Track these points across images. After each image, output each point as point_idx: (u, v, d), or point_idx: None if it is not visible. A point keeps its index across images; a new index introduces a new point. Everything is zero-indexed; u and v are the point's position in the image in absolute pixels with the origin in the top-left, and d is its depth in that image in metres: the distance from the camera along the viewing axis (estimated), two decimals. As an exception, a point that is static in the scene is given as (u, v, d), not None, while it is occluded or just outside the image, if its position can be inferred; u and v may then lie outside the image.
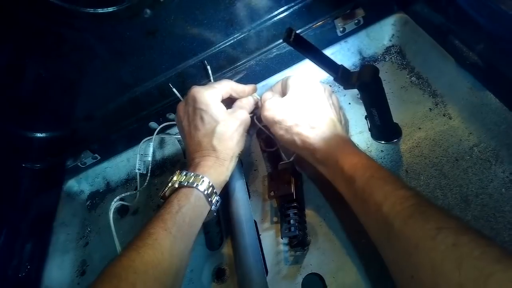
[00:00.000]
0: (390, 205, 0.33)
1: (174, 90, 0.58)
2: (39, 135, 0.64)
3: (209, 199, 0.45)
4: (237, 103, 0.54)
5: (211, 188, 0.45)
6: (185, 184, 0.44)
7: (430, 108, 0.50)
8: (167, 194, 0.45)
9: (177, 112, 0.53)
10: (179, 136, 0.65)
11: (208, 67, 0.58)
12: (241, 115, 0.50)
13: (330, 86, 0.53)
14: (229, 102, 0.54)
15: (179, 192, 0.44)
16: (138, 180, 0.62)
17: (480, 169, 0.43)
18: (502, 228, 0.38)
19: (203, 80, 0.60)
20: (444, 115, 0.48)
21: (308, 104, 0.47)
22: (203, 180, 0.44)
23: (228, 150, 0.48)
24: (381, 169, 0.38)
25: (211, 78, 0.59)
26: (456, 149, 0.45)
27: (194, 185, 0.44)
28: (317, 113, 0.46)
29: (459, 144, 0.45)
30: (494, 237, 0.38)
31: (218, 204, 0.47)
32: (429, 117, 0.49)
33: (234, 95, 0.54)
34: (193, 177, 0.45)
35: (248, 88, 0.55)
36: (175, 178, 0.46)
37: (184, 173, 0.45)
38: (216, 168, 0.47)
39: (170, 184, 0.45)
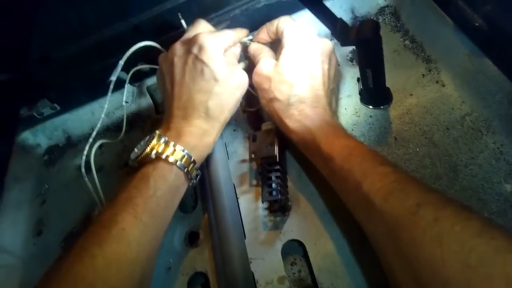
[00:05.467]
0: (370, 182, 0.32)
1: (183, 21, 0.50)
2: (-14, 77, 0.56)
3: (189, 176, 0.40)
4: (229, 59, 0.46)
5: (192, 164, 0.40)
6: (163, 157, 0.38)
7: (422, 74, 0.48)
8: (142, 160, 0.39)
9: (170, 52, 0.44)
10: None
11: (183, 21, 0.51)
12: (240, 76, 0.45)
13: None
14: None
15: (156, 167, 0.38)
16: (124, 118, 0.51)
17: (471, 139, 0.41)
18: (490, 199, 0.37)
19: (182, 28, 0.54)
20: (437, 82, 0.46)
21: (295, 74, 0.42)
22: (185, 155, 0.39)
23: (221, 115, 0.43)
24: (359, 146, 0.37)
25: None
26: (447, 117, 0.44)
27: (174, 160, 0.38)
28: (301, 89, 0.42)
29: (451, 112, 0.44)
30: (482, 208, 0.37)
31: (197, 178, 0.43)
32: (421, 83, 0.47)
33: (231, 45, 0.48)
34: (174, 149, 0.39)
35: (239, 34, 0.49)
36: (154, 142, 0.39)
37: (163, 140, 0.39)
38: (203, 138, 0.42)
39: (148, 150, 0.38)
